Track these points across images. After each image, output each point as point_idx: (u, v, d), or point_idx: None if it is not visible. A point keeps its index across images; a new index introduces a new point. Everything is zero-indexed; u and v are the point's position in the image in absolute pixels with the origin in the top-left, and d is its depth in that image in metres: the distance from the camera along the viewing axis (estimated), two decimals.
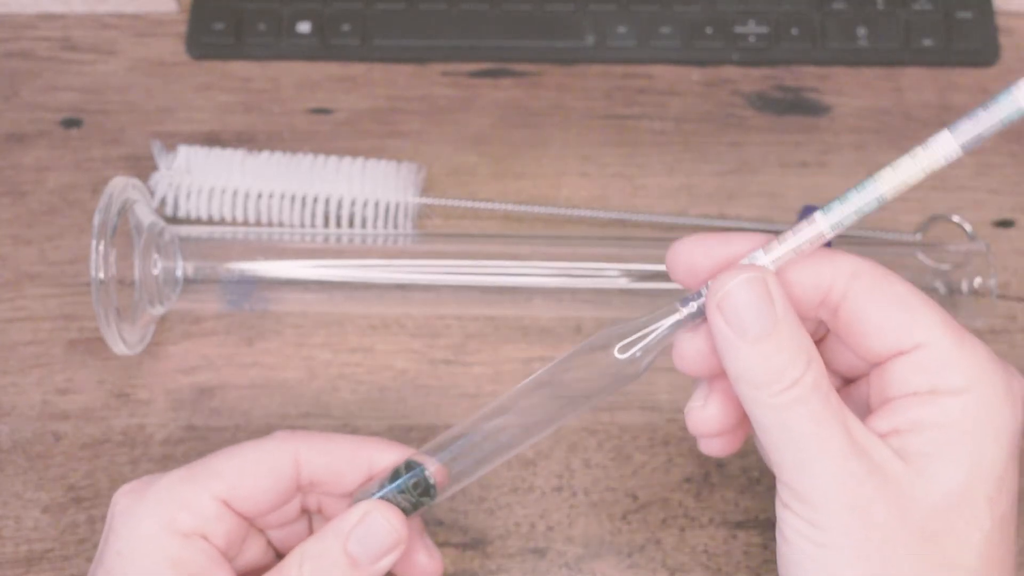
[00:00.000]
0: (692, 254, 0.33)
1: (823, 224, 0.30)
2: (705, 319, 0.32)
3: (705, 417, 0.34)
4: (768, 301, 0.30)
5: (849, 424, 0.30)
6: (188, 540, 0.33)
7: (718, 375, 0.33)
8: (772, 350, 0.30)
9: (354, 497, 0.36)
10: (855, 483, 0.29)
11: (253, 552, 0.36)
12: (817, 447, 0.30)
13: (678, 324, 0.33)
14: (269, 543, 0.38)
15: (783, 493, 0.31)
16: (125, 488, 0.34)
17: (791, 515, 0.30)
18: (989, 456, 0.30)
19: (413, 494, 0.35)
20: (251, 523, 0.36)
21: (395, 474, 0.35)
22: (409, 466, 0.35)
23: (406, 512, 0.35)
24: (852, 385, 0.35)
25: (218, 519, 0.34)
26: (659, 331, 0.33)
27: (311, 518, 0.38)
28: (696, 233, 0.33)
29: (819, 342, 0.34)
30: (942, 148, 0.28)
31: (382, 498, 0.35)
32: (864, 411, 0.32)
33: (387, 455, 0.36)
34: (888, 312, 0.31)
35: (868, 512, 0.29)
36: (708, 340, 0.32)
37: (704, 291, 0.32)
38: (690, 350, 0.33)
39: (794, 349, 0.30)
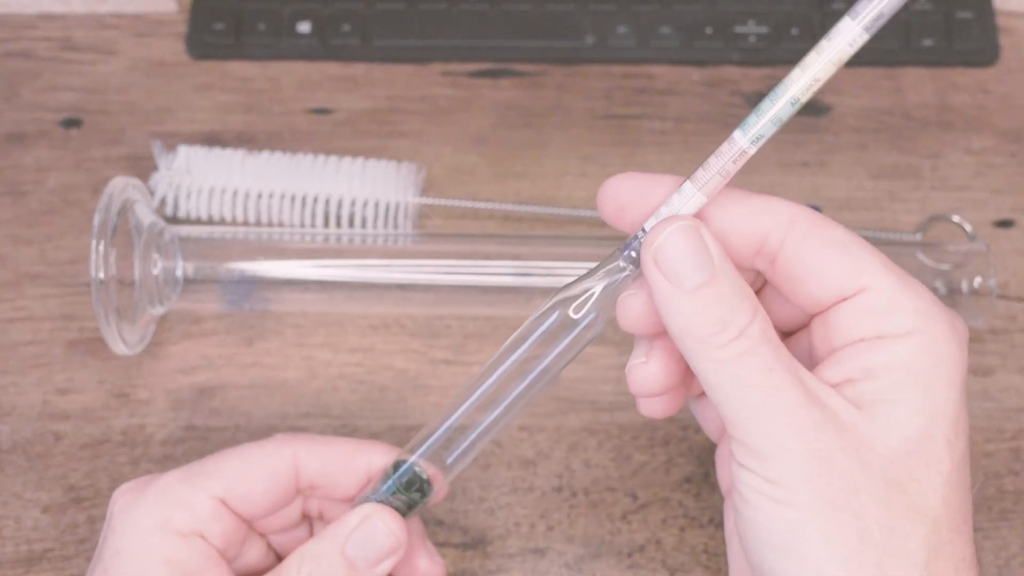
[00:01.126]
0: (621, 191, 0.31)
1: (742, 141, 0.29)
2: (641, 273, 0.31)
3: (647, 375, 0.32)
4: (704, 249, 0.29)
5: (801, 374, 0.29)
6: (185, 539, 0.33)
7: (660, 332, 0.31)
8: (713, 299, 0.29)
9: (354, 502, 0.36)
10: (813, 434, 0.28)
11: (253, 555, 0.36)
12: (771, 399, 0.28)
13: (622, 273, 0.31)
14: (270, 547, 0.37)
15: (738, 452, 0.29)
16: (124, 487, 0.34)
17: (748, 474, 0.29)
18: (943, 398, 0.29)
19: (407, 493, 0.35)
20: (250, 525, 0.36)
21: (386, 475, 0.35)
22: (398, 466, 0.35)
23: (403, 512, 0.35)
24: (791, 338, 0.33)
25: (215, 519, 0.34)
26: (604, 286, 0.32)
27: (312, 523, 0.38)
28: (625, 174, 0.32)
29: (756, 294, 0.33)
30: (846, 33, 0.27)
31: (379, 501, 0.35)
32: (807, 364, 0.31)
33: (385, 458, 0.36)
34: (829, 257, 0.30)
35: (828, 463, 0.28)
36: (650, 298, 0.30)
37: (640, 235, 0.31)
38: (633, 308, 0.31)
39: (737, 297, 0.29)
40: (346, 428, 0.46)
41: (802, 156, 0.53)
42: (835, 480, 0.28)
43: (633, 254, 0.31)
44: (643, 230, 0.31)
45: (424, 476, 0.34)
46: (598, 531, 0.43)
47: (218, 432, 0.46)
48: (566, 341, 0.33)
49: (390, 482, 0.35)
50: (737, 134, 0.29)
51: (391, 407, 0.46)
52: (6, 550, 0.43)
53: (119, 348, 0.45)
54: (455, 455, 0.35)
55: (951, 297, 0.46)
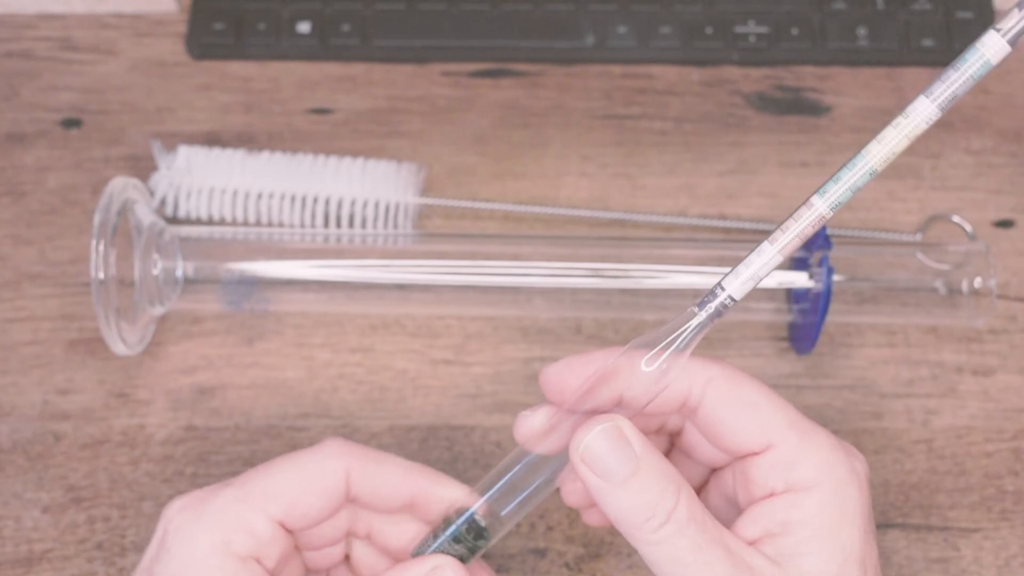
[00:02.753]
0: (561, 378, 0.35)
1: (821, 206, 0.31)
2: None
3: (576, 490, 0.36)
4: (626, 445, 0.32)
5: (727, 543, 0.32)
6: (243, 563, 0.33)
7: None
8: (639, 490, 0.31)
9: (413, 550, 0.35)
10: None
11: (292, 571, 0.36)
12: (703, 573, 0.31)
13: (700, 327, 0.33)
14: (302, 562, 0.37)
15: None
16: (179, 503, 0.34)
17: None
18: (850, 542, 0.32)
19: (468, 540, 0.34)
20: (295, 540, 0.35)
21: (446, 522, 0.35)
22: (460, 512, 0.34)
23: (464, 559, 0.34)
24: (718, 474, 0.37)
25: (273, 542, 0.33)
26: (682, 337, 0.33)
27: (348, 541, 0.38)
28: (561, 360, 0.35)
29: (681, 432, 0.37)
30: (922, 112, 0.30)
31: (439, 549, 0.34)
32: (731, 498, 0.35)
33: (435, 487, 0.35)
34: (738, 417, 0.34)
35: None
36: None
37: (719, 292, 0.32)
38: (575, 491, 0.36)
39: (661, 484, 0.32)
40: (346, 428, 0.46)
41: (802, 156, 0.53)
42: None
43: (711, 310, 0.33)
44: (720, 287, 0.32)
45: (484, 523, 0.34)
46: (598, 531, 0.43)
47: (218, 432, 0.46)
48: (639, 394, 0.34)
49: (453, 528, 0.34)
50: (816, 199, 0.31)
51: (391, 407, 0.46)
52: (6, 550, 0.43)
53: (119, 348, 0.45)
54: (515, 503, 0.34)
55: (951, 297, 0.46)
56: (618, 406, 0.33)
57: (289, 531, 0.34)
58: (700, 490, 0.38)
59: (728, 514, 0.35)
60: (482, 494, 0.34)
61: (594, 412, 0.33)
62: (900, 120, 0.30)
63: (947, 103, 0.30)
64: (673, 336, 0.33)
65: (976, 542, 0.43)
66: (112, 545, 0.43)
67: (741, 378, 0.34)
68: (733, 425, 0.34)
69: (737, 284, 0.32)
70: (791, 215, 0.32)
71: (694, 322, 0.33)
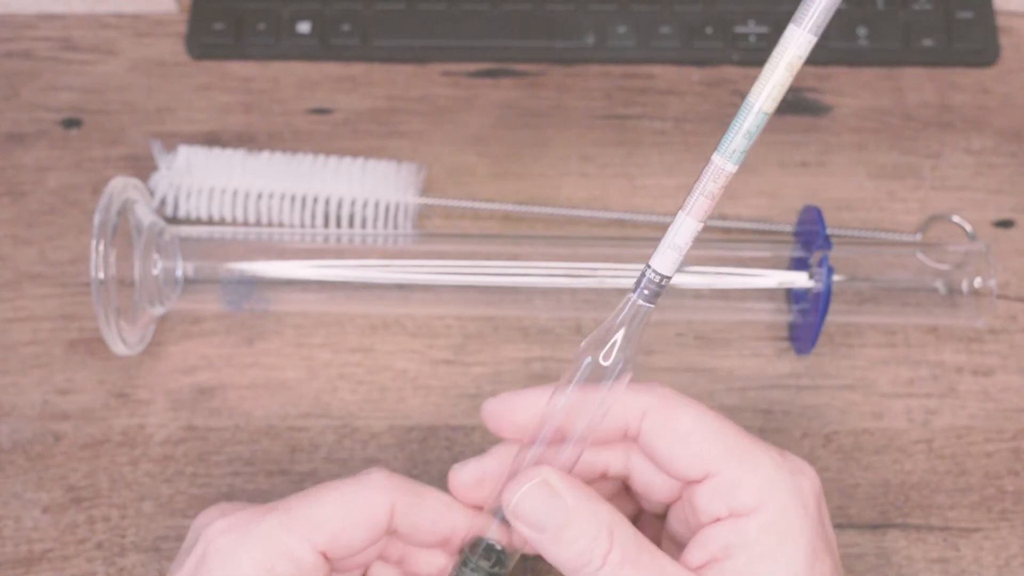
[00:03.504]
0: (500, 415, 0.36)
1: (719, 160, 0.31)
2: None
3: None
4: (554, 499, 0.32)
5: (668, 573, 0.32)
6: None
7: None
8: (573, 538, 0.32)
9: None
10: None
11: None
12: None
13: (639, 310, 0.33)
14: None
15: None
16: (222, 524, 0.33)
17: None
18: (794, 563, 0.32)
19: (485, 568, 0.34)
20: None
21: (464, 557, 0.35)
22: (474, 543, 0.35)
23: None
24: (677, 504, 0.37)
25: (314, 570, 0.33)
26: (624, 327, 0.33)
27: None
28: (495, 396, 0.36)
29: (629, 475, 0.37)
30: (793, 40, 0.29)
31: None
32: (686, 525, 0.36)
33: (471, 525, 0.36)
34: (674, 447, 0.34)
35: None
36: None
37: (647, 271, 0.32)
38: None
39: (593, 530, 0.32)
40: (346, 428, 0.46)
41: (802, 156, 0.53)
42: None
43: (646, 292, 0.32)
44: (648, 266, 0.32)
45: (499, 547, 0.34)
46: None
47: (218, 432, 0.46)
48: (605, 387, 0.34)
49: (471, 562, 0.34)
50: (714, 156, 0.31)
51: (391, 407, 0.46)
52: (6, 550, 0.43)
53: (119, 348, 0.45)
54: None
55: (951, 297, 0.46)
56: (564, 441, 0.34)
57: (329, 559, 0.34)
58: (662, 517, 0.38)
59: (685, 541, 0.35)
60: (495, 516, 0.35)
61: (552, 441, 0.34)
62: (775, 52, 0.30)
63: (818, 26, 0.29)
64: (616, 328, 0.33)
65: (976, 542, 0.43)
66: (112, 545, 0.43)
67: (676, 406, 0.34)
68: (670, 455, 0.34)
69: (660, 259, 0.32)
70: (701, 180, 0.31)
71: (628, 306, 0.33)
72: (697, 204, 0.31)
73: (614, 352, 0.33)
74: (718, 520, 0.33)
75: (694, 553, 0.33)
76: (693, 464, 0.33)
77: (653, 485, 0.36)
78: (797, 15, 0.29)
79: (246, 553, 0.32)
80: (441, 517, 0.35)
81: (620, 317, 0.33)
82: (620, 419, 0.35)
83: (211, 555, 0.33)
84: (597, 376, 0.34)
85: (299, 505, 0.34)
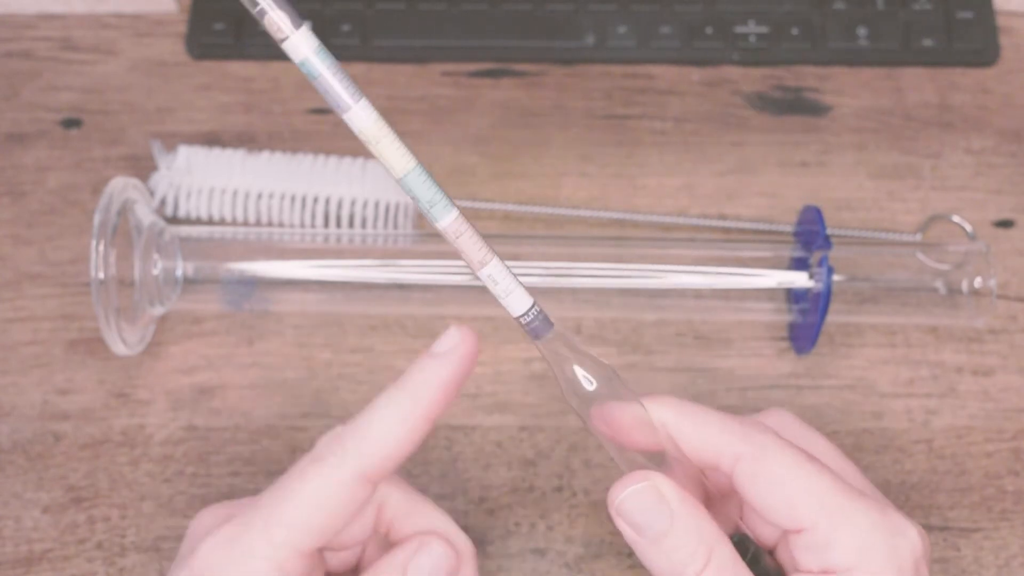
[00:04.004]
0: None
1: (441, 223, 0.31)
2: None
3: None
4: (661, 503, 0.32)
5: None
6: None
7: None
8: (671, 547, 0.32)
9: None
10: None
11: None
12: None
13: (554, 338, 0.33)
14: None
15: None
16: (211, 543, 0.33)
17: None
18: None
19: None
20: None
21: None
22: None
23: None
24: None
25: (305, 571, 0.33)
26: (554, 365, 0.33)
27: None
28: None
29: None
30: (356, 119, 0.28)
31: None
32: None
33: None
34: (767, 499, 0.33)
35: None
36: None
37: (520, 320, 0.32)
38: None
39: (693, 544, 0.31)
40: None
41: (802, 156, 0.53)
42: None
43: (533, 328, 0.32)
44: (516, 318, 0.32)
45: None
46: (598, 531, 0.43)
47: (218, 432, 0.46)
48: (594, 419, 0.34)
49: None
50: (435, 226, 0.31)
51: None
52: (6, 550, 0.43)
53: (119, 348, 0.45)
54: None
55: (951, 297, 0.46)
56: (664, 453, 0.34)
57: (326, 549, 0.34)
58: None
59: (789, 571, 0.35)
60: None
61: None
62: (361, 136, 0.29)
63: (354, 95, 0.28)
64: (558, 364, 0.33)
65: (976, 542, 0.43)
66: (112, 545, 0.43)
67: (771, 453, 0.33)
68: (763, 506, 0.33)
69: (511, 305, 0.32)
70: (449, 243, 0.32)
71: (543, 353, 0.32)
72: (470, 259, 0.32)
73: (587, 381, 0.33)
74: (811, 573, 0.32)
75: None
76: (786, 516, 0.32)
77: (755, 522, 0.35)
78: (333, 105, 0.28)
79: (236, 570, 0.32)
80: (392, 429, 0.34)
81: (552, 361, 0.33)
82: (711, 458, 0.34)
83: (202, 573, 0.33)
84: (593, 401, 0.33)
85: (274, 512, 0.33)
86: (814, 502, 0.32)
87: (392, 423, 0.33)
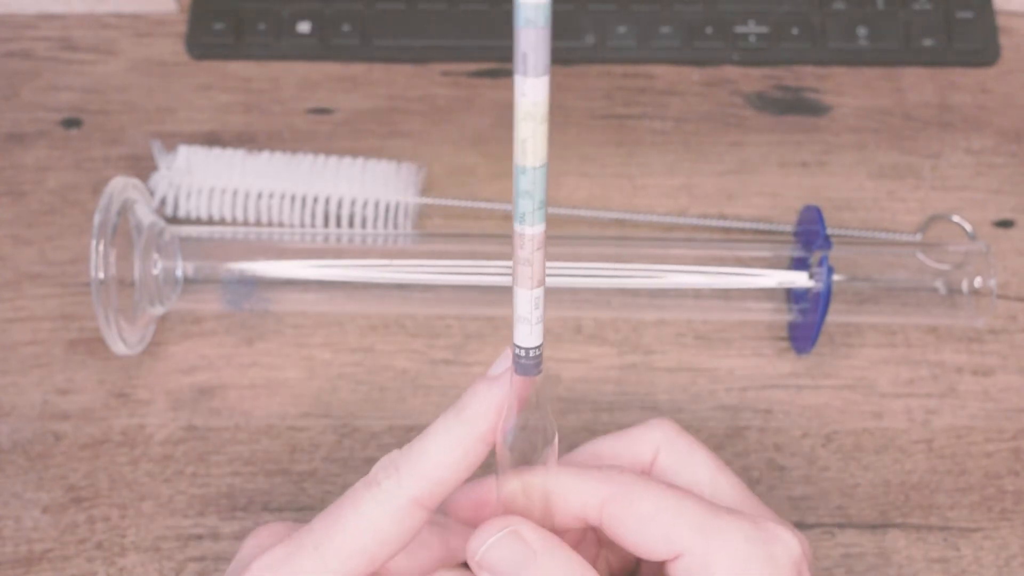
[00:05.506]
0: (459, 510, 0.35)
1: (516, 227, 0.30)
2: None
3: None
4: (523, 550, 0.32)
5: None
6: None
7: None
8: None
9: None
10: None
11: None
12: None
13: (535, 382, 0.32)
14: None
15: None
16: (262, 562, 0.33)
17: None
18: None
19: None
20: None
21: None
22: None
23: None
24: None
25: None
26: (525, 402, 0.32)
27: None
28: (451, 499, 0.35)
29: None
30: (531, 90, 0.27)
31: None
32: None
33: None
34: (640, 533, 0.32)
35: None
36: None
37: (516, 351, 0.31)
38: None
39: None
40: (346, 428, 0.46)
41: (802, 156, 0.53)
42: None
43: (523, 365, 0.31)
44: (517, 346, 0.31)
45: None
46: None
47: (218, 432, 0.46)
48: (508, 471, 0.33)
49: None
50: (518, 227, 0.30)
51: (391, 407, 0.46)
52: (6, 550, 0.43)
53: (119, 348, 0.45)
54: None
55: (951, 297, 0.46)
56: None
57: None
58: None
59: None
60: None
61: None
62: (521, 108, 0.28)
63: (544, 67, 0.27)
64: (516, 410, 0.32)
65: (976, 542, 0.43)
66: (112, 545, 0.43)
67: (638, 490, 0.33)
68: (636, 540, 0.33)
69: (517, 333, 0.31)
70: (515, 249, 0.30)
71: (513, 383, 0.32)
72: (522, 274, 0.30)
73: (533, 429, 0.32)
74: None
75: None
76: (661, 546, 0.32)
77: (631, 558, 0.36)
78: (518, 66, 0.27)
79: None
80: (447, 457, 0.34)
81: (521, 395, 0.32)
82: (576, 512, 0.33)
83: None
84: (527, 451, 0.33)
85: (326, 538, 0.32)
86: (684, 527, 0.32)
87: (447, 448, 0.33)
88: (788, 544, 0.33)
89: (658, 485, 0.33)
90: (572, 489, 0.33)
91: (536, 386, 0.31)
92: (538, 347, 0.30)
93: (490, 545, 0.32)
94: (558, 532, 0.33)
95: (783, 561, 0.32)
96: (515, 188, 0.28)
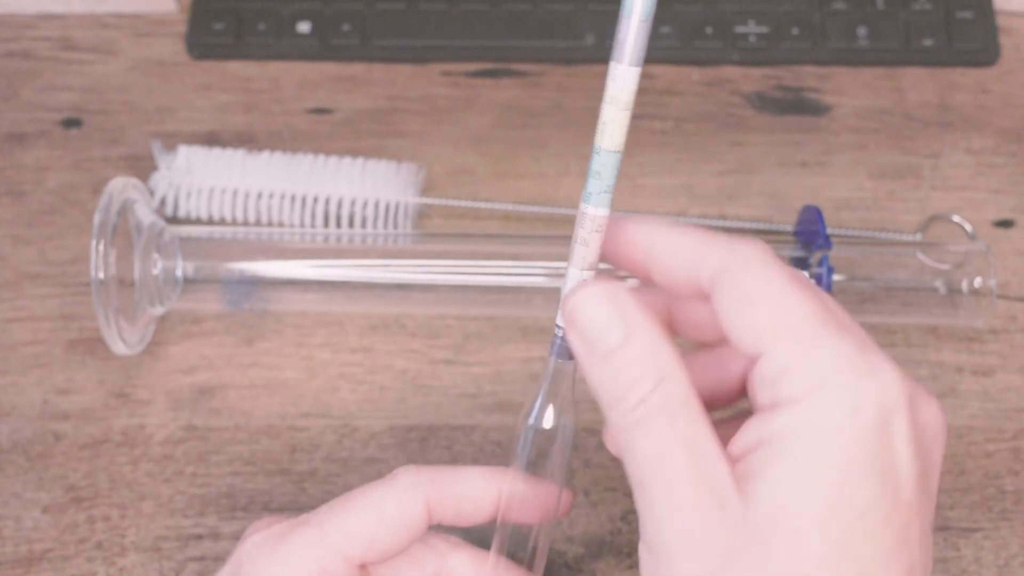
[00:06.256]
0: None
1: (593, 210, 0.30)
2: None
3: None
4: (618, 314, 0.29)
5: (700, 448, 0.27)
6: None
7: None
8: (621, 365, 0.28)
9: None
10: (686, 511, 0.27)
11: None
12: (654, 473, 0.27)
13: (566, 368, 0.32)
14: None
15: (640, 530, 0.29)
16: (256, 538, 0.33)
17: (643, 556, 0.28)
18: (816, 473, 0.26)
19: None
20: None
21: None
22: None
23: None
24: None
25: None
26: (546, 383, 0.32)
27: None
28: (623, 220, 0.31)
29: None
30: (620, 76, 0.28)
31: None
32: None
33: (515, 484, 0.34)
34: (736, 316, 0.28)
35: (697, 544, 0.27)
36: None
37: (558, 331, 0.31)
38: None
39: (645, 365, 0.28)
40: (346, 428, 0.46)
41: (802, 156, 0.53)
42: (701, 560, 0.27)
43: (562, 349, 0.31)
44: (558, 326, 0.31)
45: None
46: (598, 531, 0.43)
47: (218, 432, 0.46)
48: (556, 446, 0.33)
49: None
50: (585, 207, 0.30)
51: (391, 407, 0.46)
52: (6, 550, 0.43)
53: (119, 348, 0.45)
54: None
55: (951, 297, 0.46)
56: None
57: (368, 564, 0.33)
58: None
59: None
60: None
61: None
62: (607, 91, 0.29)
63: (635, 57, 0.28)
64: (546, 385, 0.32)
65: (976, 542, 0.43)
66: (112, 545, 0.43)
67: (753, 266, 0.28)
68: (730, 326, 0.28)
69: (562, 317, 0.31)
70: (576, 227, 0.30)
71: (550, 367, 0.32)
72: (577, 254, 0.30)
73: (550, 413, 0.33)
74: (762, 411, 0.28)
75: (736, 440, 0.28)
76: (751, 337, 0.28)
77: (725, 382, 0.31)
78: (614, 53, 0.28)
79: (277, 566, 0.32)
80: (483, 489, 0.34)
81: (547, 379, 0.32)
82: (691, 276, 0.29)
83: (244, 566, 0.33)
84: (543, 440, 0.33)
85: (330, 516, 0.33)
86: (780, 324, 0.27)
87: (476, 473, 0.34)
88: (885, 382, 0.27)
89: (783, 270, 0.29)
90: (688, 250, 0.30)
91: (570, 372, 0.31)
92: None
93: (585, 296, 0.29)
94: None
95: (869, 397, 0.27)
96: (589, 168, 0.29)
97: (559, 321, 0.31)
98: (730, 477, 0.27)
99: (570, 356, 0.31)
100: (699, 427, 0.28)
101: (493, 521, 0.35)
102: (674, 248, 0.30)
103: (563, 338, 0.31)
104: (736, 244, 0.29)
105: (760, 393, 0.28)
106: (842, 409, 0.26)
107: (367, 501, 0.33)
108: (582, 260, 0.30)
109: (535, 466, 0.33)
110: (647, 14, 0.27)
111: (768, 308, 0.28)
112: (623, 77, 0.28)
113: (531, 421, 0.33)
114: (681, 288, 0.30)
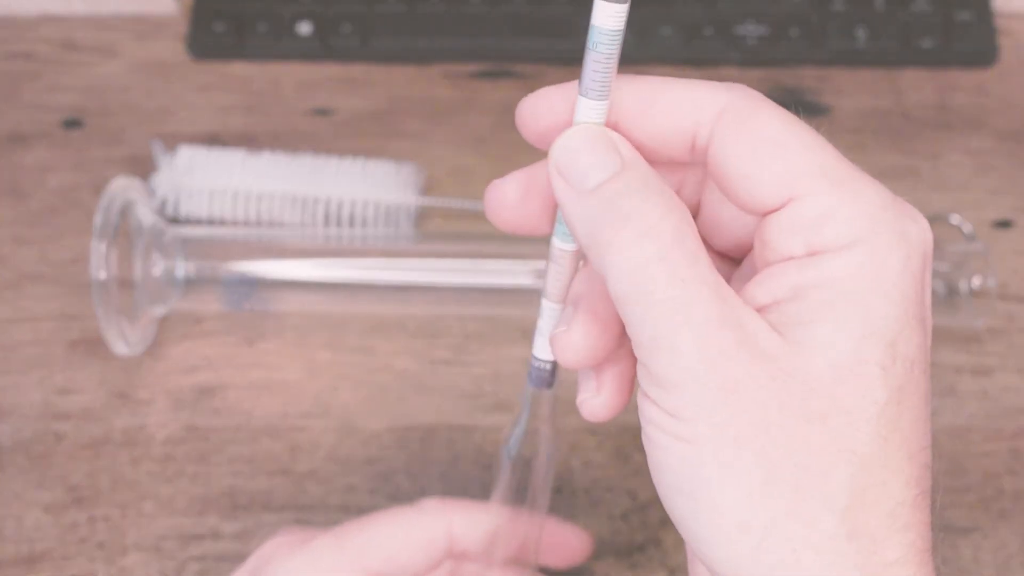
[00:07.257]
0: (536, 113, 0.29)
1: (562, 244, 0.28)
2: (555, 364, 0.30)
3: (570, 342, 0.28)
4: (609, 145, 0.26)
5: (720, 290, 0.24)
6: None
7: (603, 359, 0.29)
8: (617, 193, 0.25)
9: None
10: (722, 359, 0.24)
11: None
12: (676, 314, 0.24)
13: (537, 397, 0.32)
14: None
15: (643, 379, 0.25)
16: (276, 540, 0.33)
17: (651, 406, 0.25)
18: (878, 317, 0.24)
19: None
20: None
21: None
22: None
23: None
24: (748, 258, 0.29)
25: None
26: (525, 412, 0.32)
27: None
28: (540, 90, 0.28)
29: (698, 212, 0.29)
30: (583, 110, 0.26)
31: None
32: (748, 278, 0.27)
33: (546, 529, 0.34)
34: (752, 159, 0.25)
35: (735, 393, 0.24)
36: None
37: (534, 361, 0.31)
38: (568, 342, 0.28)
39: (647, 192, 0.25)
40: (346, 428, 0.46)
41: None
42: (741, 413, 0.24)
43: (538, 378, 0.31)
44: (535, 356, 0.30)
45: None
46: (598, 531, 0.43)
47: (218, 432, 0.46)
48: (537, 471, 0.33)
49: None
50: (555, 241, 0.29)
51: (391, 407, 0.46)
52: (7, 550, 0.43)
53: (120, 348, 0.45)
54: None
55: (951, 297, 0.46)
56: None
57: None
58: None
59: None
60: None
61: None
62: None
63: (601, 90, 0.26)
64: (525, 413, 0.32)
65: (975, 541, 0.43)
66: (113, 545, 0.43)
67: (763, 107, 0.26)
68: (746, 170, 0.25)
69: (537, 346, 0.30)
70: (549, 262, 0.29)
71: (527, 398, 0.32)
72: (549, 286, 0.29)
73: (530, 442, 0.33)
74: (791, 259, 0.25)
75: (754, 292, 0.25)
76: (773, 182, 0.25)
77: (721, 221, 0.28)
78: (582, 87, 0.26)
79: (297, 568, 0.32)
80: (511, 526, 0.34)
81: (526, 408, 0.32)
82: (687, 119, 0.27)
83: (263, 570, 0.33)
84: (524, 469, 0.33)
85: (354, 529, 0.34)
86: (813, 165, 0.25)
87: (499, 510, 0.34)
88: (924, 229, 0.26)
89: (793, 116, 0.27)
90: (684, 94, 0.27)
91: (548, 400, 0.31)
92: (554, 361, 0.30)
93: (570, 134, 0.27)
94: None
95: (916, 242, 0.25)
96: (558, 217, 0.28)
97: (536, 352, 0.30)
98: (764, 324, 0.25)
99: (548, 384, 0.31)
100: (716, 273, 0.25)
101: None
102: (670, 93, 0.28)
103: (538, 368, 0.31)
104: (734, 87, 0.27)
105: (790, 241, 0.25)
106: (897, 255, 0.25)
107: (391, 519, 0.34)
108: (557, 295, 0.29)
109: (517, 495, 0.33)
110: (609, 51, 0.26)
111: (797, 151, 0.26)
112: (587, 113, 0.26)
113: (512, 452, 0.33)
114: (669, 148, 0.28)
